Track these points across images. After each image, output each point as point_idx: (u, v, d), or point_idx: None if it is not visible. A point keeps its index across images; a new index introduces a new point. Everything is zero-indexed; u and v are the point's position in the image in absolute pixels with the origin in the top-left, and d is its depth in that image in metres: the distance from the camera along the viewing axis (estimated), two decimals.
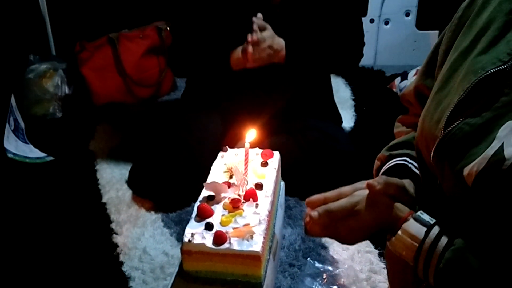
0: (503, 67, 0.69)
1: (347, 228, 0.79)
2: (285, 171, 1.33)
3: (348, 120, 1.99)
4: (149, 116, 2.03)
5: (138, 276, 1.26)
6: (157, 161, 1.54)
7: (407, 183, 0.83)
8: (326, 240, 1.37)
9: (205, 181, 1.13)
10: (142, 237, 1.39)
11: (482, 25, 0.77)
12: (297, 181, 1.50)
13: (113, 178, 1.66)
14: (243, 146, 1.13)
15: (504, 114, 0.67)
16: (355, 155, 1.55)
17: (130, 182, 1.61)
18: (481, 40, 0.76)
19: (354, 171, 1.49)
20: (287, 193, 1.46)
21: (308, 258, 1.29)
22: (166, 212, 1.49)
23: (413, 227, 0.72)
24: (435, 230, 0.71)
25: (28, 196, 1.56)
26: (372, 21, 2.50)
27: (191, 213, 1.05)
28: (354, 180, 0.85)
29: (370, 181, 0.80)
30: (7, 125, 1.73)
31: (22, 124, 1.87)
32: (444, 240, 0.69)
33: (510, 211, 0.64)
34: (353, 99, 2.18)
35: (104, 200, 1.55)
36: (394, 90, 2.23)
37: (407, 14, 2.51)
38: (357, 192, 0.81)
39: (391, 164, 0.88)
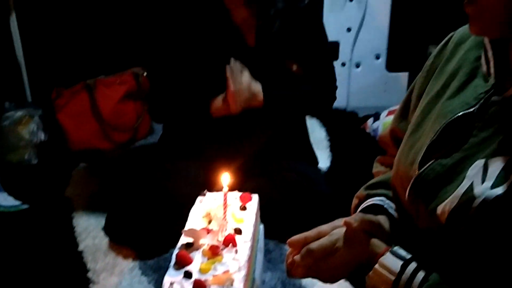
0: (470, 110, 0.74)
1: (328, 266, 0.80)
2: (264, 213, 1.34)
3: (324, 160, 2.02)
4: (126, 161, 2.03)
5: None
6: (134, 207, 1.53)
7: (383, 219, 0.86)
8: (306, 283, 1.37)
9: (184, 226, 1.13)
10: (119, 286, 1.37)
11: (451, 72, 0.82)
12: (276, 223, 1.50)
13: (89, 226, 1.64)
14: (221, 190, 1.15)
15: (473, 154, 0.71)
16: (332, 195, 1.58)
17: (107, 229, 1.59)
18: (450, 85, 0.81)
19: (331, 211, 1.50)
20: (267, 235, 1.46)
21: None
22: (144, 260, 1.48)
23: (390, 261, 0.74)
24: (412, 265, 0.73)
25: (2, 246, 1.53)
26: (343, 64, 2.58)
27: (170, 260, 1.04)
28: (332, 220, 0.87)
29: (347, 218, 0.82)
30: None
31: None
32: (420, 275, 0.71)
33: (482, 246, 0.67)
34: (328, 140, 2.22)
35: (80, 249, 1.53)
36: (367, 130, 2.28)
37: (377, 57, 2.60)
38: (335, 231, 0.83)
39: (368, 204, 0.91)
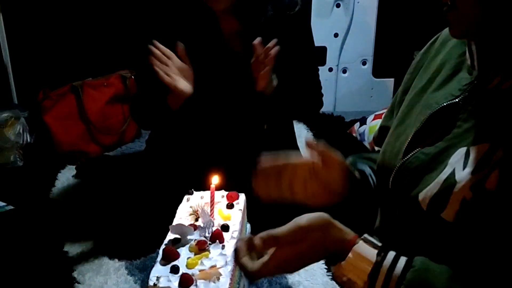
0: (455, 100, 0.76)
1: (296, 253, 0.77)
2: (250, 214, 1.34)
3: None
4: (113, 164, 2.02)
5: None
6: (121, 207, 1.53)
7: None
8: (293, 282, 1.37)
9: (171, 223, 1.13)
10: (105, 286, 1.36)
11: (437, 67, 0.85)
12: (262, 224, 1.51)
13: (75, 226, 1.63)
14: (208, 189, 1.15)
15: (455, 144, 0.73)
16: None
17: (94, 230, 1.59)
18: (436, 79, 0.84)
19: (317, 212, 1.52)
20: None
21: None
22: (130, 260, 1.47)
23: (364, 249, 0.72)
24: (392, 253, 0.71)
25: None
26: (330, 69, 2.61)
27: (156, 259, 1.04)
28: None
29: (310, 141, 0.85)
30: None
31: None
32: (402, 261, 0.70)
33: (464, 231, 0.68)
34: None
35: (66, 249, 1.52)
36: (354, 134, 2.30)
37: (364, 63, 2.63)
38: (301, 216, 0.80)
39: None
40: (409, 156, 0.78)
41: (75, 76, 2.15)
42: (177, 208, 1.22)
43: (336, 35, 2.54)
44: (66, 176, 1.97)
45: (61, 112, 2.07)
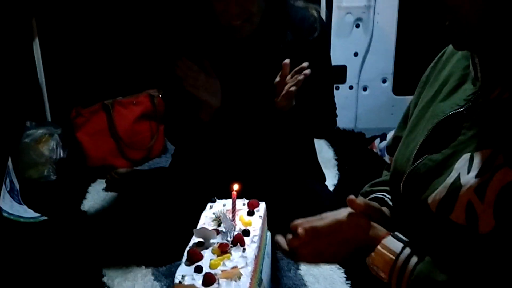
0: (460, 110, 0.81)
1: (331, 243, 0.86)
2: (272, 225, 1.40)
3: (331, 178, 2.08)
4: (141, 178, 2.10)
5: None
6: (147, 216, 1.61)
7: (384, 208, 0.92)
8: None
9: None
10: None
11: (443, 79, 0.91)
12: (282, 233, 1.56)
13: (104, 235, 1.71)
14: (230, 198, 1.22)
15: (461, 150, 0.78)
16: (334, 207, 1.63)
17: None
18: (442, 91, 0.89)
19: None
20: (275, 247, 1.51)
21: None
22: (156, 266, 1.54)
23: (391, 243, 0.81)
24: (408, 249, 0.79)
25: (21, 254, 1.60)
26: (351, 87, 2.67)
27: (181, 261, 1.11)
28: None
29: (352, 196, 0.88)
30: (3, 186, 1.80)
31: (17, 185, 1.94)
32: (415, 257, 0.78)
33: (470, 232, 0.73)
34: (336, 159, 2.28)
35: (96, 256, 1.59)
36: (375, 150, 2.34)
37: (384, 81, 2.69)
38: (340, 212, 0.89)
39: (370, 197, 0.97)
40: (418, 162, 0.84)
41: (105, 95, 2.25)
42: (196, 216, 1.29)
43: (356, 54, 2.61)
44: (96, 189, 2.06)
45: (92, 129, 2.18)
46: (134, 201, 1.83)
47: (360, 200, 0.90)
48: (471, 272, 0.73)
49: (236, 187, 1.19)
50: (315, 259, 0.91)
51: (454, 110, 0.82)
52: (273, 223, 1.40)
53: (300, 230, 0.89)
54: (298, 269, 1.51)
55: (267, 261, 1.30)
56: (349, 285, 1.44)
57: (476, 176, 0.73)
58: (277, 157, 1.72)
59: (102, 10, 2.38)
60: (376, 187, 1.02)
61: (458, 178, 0.75)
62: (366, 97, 2.70)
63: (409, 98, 2.80)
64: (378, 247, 0.81)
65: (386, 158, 2.23)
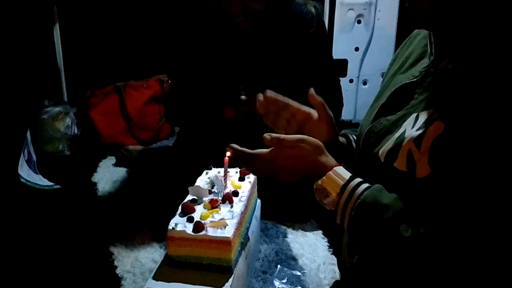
0: (414, 80, 0.94)
1: (292, 157, 0.94)
2: (263, 197, 1.53)
3: None
4: (148, 157, 2.25)
5: (129, 277, 1.44)
6: (151, 188, 1.76)
7: (341, 138, 1.12)
8: (297, 254, 1.55)
9: None
10: (134, 249, 1.58)
11: (407, 55, 1.05)
12: (274, 206, 1.70)
13: (111, 203, 1.87)
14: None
15: (411, 112, 0.91)
16: None
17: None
18: (404, 65, 1.03)
19: None
20: (265, 217, 1.66)
21: (279, 266, 1.47)
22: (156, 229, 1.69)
23: (342, 171, 0.92)
24: (358, 178, 0.91)
25: (37, 216, 1.77)
26: (351, 81, 2.79)
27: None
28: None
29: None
30: (22, 155, 1.96)
31: (34, 157, 2.10)
32: (365, 184, 0.90)
33: (409, 177, 0.86)
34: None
35: (104, 223, 1.74)
36: None
37: (383, 75, 2.80)
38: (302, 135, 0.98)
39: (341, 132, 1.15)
40: (375, 122, 0.98)
41: (119, 78, 2.42)
42: None
43: (357, 49, 2.73)
44: (107, 164, 2.22)
45: (105, 108, 2.34)
46: (141, 175, 1.99)
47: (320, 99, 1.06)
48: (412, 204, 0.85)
49: (228, 153, 1.33)
50: (271, 169, 0.97)
51: (410, 79, 0.96)
52: (264, 197, 1.54)
53: (266, 135, 0.96)
54: (286, 237, 1.65)
55: (255, 223, 1.44)
56: (331, 252, 1.57)
57: (417, 130, 0.86)
58: None
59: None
60: (350, 130, 1.17)
61: (403, 132, 0.89)
62: (365, 91, 2.83)
63: None
64: (330, 172, 0.91)
65: None
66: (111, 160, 2.26)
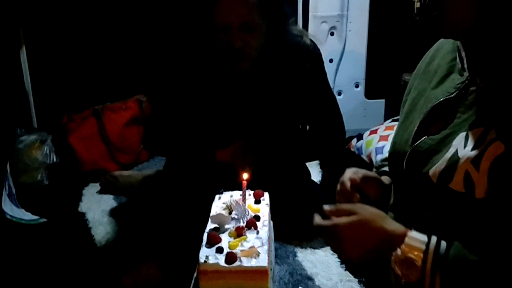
0: (451, 96, 0.95)
1: (351, 228, 0.93)
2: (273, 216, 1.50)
3: (315, 176, 2.21)
4: (134, 178, 2.17)
5: None
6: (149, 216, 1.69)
7: (384, 177, 1.06)
8: (312, 273, 1.53)
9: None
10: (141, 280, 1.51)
11: (433, 71, 1.05)
12: (280, 227, 1.67)
13: (107, 234, 1.78)
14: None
15: (457, 131, 0.92)
16: (328, 201, 1.76)
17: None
18: (432, 80, 1.04)
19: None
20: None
21: (300, 287, 1.45)
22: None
23: (416, 235, 0.89)
24: (434, 237, 0.88)
25: (24, 256, 1.66)
26: None
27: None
28: None
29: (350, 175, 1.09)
30: (4, 189, 1.84)
31: (13, 190, 1.98)
32: (444, 243, 0.87)
33: (468, 198, 0.86)
34: None
35: (102, 252, 1.66)
36: (352, 149, 2.50)
37: (357, 86, 2.86)
38: (361, 206, 0.99)
39: (380, 170, 1.16)
40: (418, 142, 0.98)
41: (95, 101, 2.32)
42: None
43: (331, 60, 2.77)
44: (90, 192, 2.12)
45: (84, 133, 2.24)
46: (131, 202, 1.92)
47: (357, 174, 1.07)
48: (488, 245, 0.84)
49: (245, 176, 1.30)
50: (335, 243, 0.97)
51: (446, 96, 0.97)
52: (273, 213, 1.51)
53: (325, 207, 0.99)
54: (296, 256, 1.63)
55: (272, 247, 1.41)
56: (344, 268, 1.56)
57: (472, 149, 0.87)
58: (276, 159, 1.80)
59: (88, 18, 2.45)
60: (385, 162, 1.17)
61: (456, 152, 0.89)
62: (340, 101, 2.80)
63: (380, 101, 3.00)
64: (406, 239, 0.88)
65: (364, 156, 2.39)
66: (95, 187, 2.16)
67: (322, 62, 1.77)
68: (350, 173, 1.13)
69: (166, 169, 1.97)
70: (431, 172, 0.92)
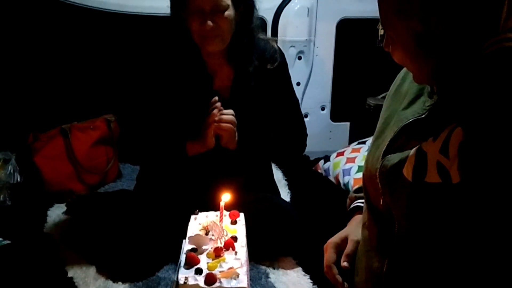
0: (420, 117, 0.99)
1: None
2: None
3: (284, 196, 2.23)
4: (102, 199, 2.13)
5: None
6: (122, 235, 1.67)
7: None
8: None
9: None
10: None
11: (404, 93, 1.10)
12: (252, 247, 1.68)
13: (75, 255, 1.73)
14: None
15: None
16: (300, 220, 1.79)
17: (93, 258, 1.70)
18: (403, 101, 1.08)
19: (301, 233, 1.74)
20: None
21: None
22: (133, 282, 1.59)
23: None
24: None
25: None
26: None
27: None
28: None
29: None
30: None
31: None
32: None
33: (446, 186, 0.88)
34: (285, 179, 2.45)
35: (70, 275, 1.62)
36: (319, 171, 2.54)
37: (323, 109, 2.92)
38: None
39: (354, 205, 1.17)
40: (387, 156, 1.01)
41: (62, 120, 2.28)
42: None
43: (298, 83, 2.82)
44: (56, 213, 2.07)
45: (50, 153, 2.19)
46: (100, 222, 1.88)
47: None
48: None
49: (225, 197, 1.31)
50: None
51: (415, 117, 1.01)
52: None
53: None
54: (268, 277, 1.64)
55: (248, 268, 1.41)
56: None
57: (434, 140, 0.89)
58: (244, 173, 1.84)
59: (55, 36, 2.42)
60: (359, 193, 1.19)
61: (420, 147, 0.92)
62: (307, 123, 2.86)
63: (345, 124, 3.07)
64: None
65: (331, 177, 2.43)
66: (60, 208, 2.11)
67: (287, 65, 1.88)
68: (332, 253, 1.15)
69: (138, 186, 1.96)
70: (404, 172, 0.94)
